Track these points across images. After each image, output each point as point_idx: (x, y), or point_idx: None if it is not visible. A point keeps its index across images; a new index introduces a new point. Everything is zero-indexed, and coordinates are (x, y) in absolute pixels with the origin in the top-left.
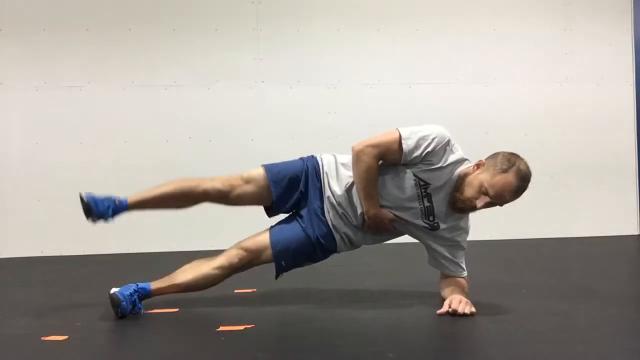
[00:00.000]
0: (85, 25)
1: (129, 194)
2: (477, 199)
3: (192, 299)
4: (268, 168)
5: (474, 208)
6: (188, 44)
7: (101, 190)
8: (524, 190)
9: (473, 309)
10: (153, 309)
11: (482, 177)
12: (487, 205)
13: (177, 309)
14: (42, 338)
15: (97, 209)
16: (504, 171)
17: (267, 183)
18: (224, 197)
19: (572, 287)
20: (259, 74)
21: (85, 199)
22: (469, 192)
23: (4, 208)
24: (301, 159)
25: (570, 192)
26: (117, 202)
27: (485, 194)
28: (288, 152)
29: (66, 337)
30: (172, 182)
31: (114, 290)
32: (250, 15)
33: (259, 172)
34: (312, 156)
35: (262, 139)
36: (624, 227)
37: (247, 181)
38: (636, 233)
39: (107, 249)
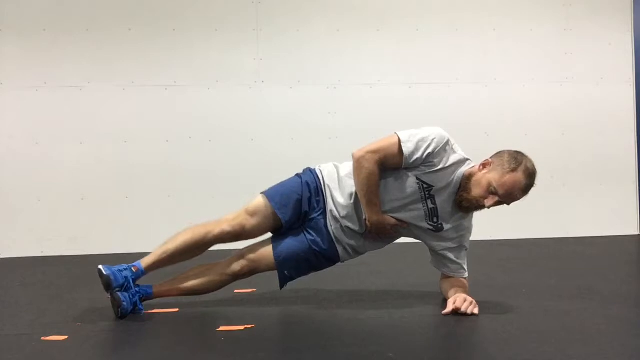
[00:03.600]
0: (85, 25)
1: (141, 260)
2: (485, 198)
3: (192, 299)
4: (270, 196)
5: (482, 207)
6: (188, 44)
7: (101, 189)
8: (531, 188)
9: (476, 310)
10: (153, 309)
11: (490, 177)
12: (496, 204)
13: (177, 309)
14: (42, 338)
15: (117, 282)
16: (513, 170)
17: (272, 211)
18: (237, 236)
19: (572, 287)
20: (259, 74)
21: (105, 273)
22: (476, 191)
23: (4, 208)
24: (297, 175)
25: (570, 192)
26: (133, 269)
27: (494, 193)
28: (288, 152)
29: (66, 337)
30: (180, 236)
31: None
32: (250, 15)
33: (260, 202)
34: (309, 170)
35: (262, 139)
36: (624, 227)
37: (253, 214)
38: (636, 233)
39: (107, 249)
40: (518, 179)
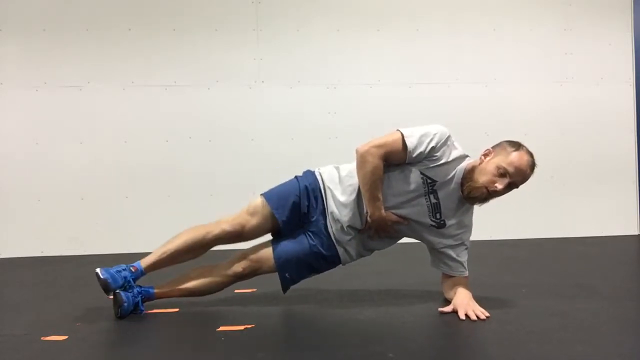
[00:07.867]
0: (85, 25)
1: (141, 259)
2: (494, 182)
3: (192, 299)
4: (268, 197)
5: (494, 192)
6: (188, 44)
7: (101, 189)
8: (535, 168)
9: (483, 312)
10: (153, 309)
11: (495, 161)
12: (507, 186)
13: (177, 309)
14: (42, 338)
15: (116, 283)
16: (516, 149)
17: (270, 211)
18: (237, 236)
19: (572, 287)
20: (259, 74)
21: (102, 276)
22: (484, 178)
23: (4, 208)
24: (296, 177)
25: (570, 192)
26: (132, 269)
27: (504, 174)
28: (288, 152)
29: (66, 337)
30: (180, 236)
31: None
32: (250, 15)
33: (259, 203)
34: (309, 171)
35: (262, 139)
36: (624, 227)
37: (253, 214)
38: (636, 233)
39: (107, 249)
40: (523, 156)
